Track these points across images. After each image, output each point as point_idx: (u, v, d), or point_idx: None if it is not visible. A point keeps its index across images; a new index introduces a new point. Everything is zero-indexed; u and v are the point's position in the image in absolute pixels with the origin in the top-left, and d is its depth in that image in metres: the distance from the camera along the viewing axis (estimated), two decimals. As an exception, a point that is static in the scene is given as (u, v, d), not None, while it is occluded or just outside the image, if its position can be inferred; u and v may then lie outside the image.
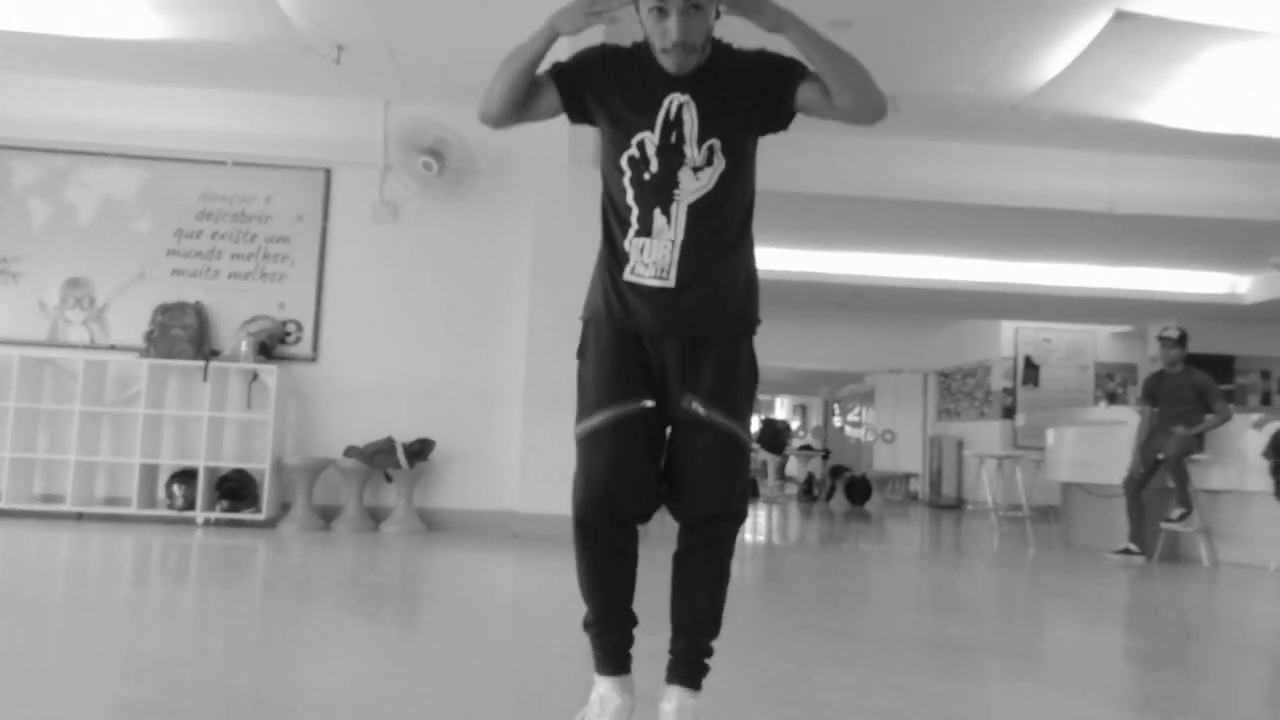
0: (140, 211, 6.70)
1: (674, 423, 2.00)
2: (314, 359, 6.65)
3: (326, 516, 6.38)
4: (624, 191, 2.00)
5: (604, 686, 2.05)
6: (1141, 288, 10.11)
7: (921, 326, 14.70)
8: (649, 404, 1.97)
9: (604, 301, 2.04)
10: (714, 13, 1.92)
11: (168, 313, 6.47)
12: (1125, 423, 7.12)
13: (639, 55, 2.03)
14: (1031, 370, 12.88)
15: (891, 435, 14.96)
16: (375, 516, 6.44)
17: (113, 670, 2.55)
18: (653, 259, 1.96)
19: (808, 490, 13.57)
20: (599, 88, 2.06)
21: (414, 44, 5.90)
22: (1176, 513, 6.39)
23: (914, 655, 3.12)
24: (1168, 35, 5.22)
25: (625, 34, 2.11)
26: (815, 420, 22.38)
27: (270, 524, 6.26)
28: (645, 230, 1.96)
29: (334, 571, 4.67)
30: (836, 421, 20.51)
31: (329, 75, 6.28)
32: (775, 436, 14.30)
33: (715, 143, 1.96)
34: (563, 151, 6.48)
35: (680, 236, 1.95)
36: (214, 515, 6.24)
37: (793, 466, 17.82)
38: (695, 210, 1.95)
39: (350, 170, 6.80)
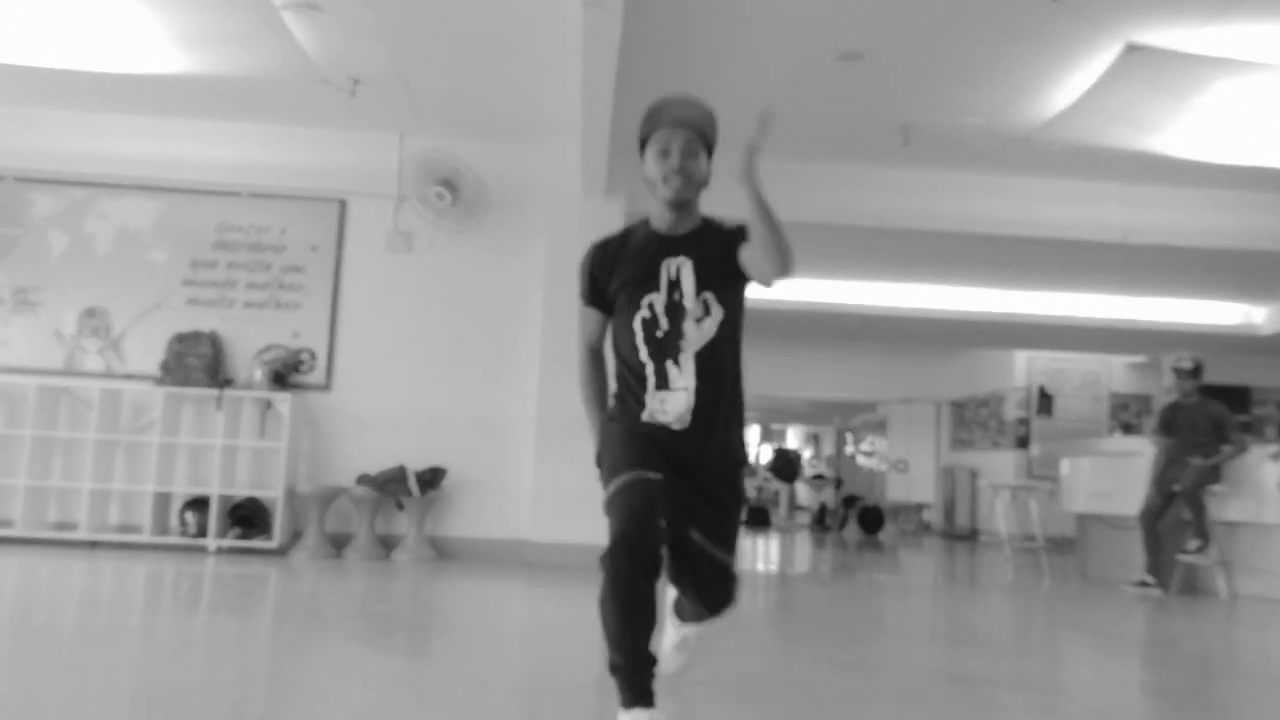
0: (157, 242, 6.77)
1: (680, 541, 2.30)
2: (327, 388, 6.68)
3: (338, 544, 6.38)
4: (637, 350, 2.30)
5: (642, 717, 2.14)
6: (1156, 318, 10.08)
7: (934, 356, 14.67)
8: (658, 476, 2.19)
9: (624, 423, 2.35)
10: (706, 164, 2.36)
11: (183, 342, 6.52)
12: (1141, 453, 7.06)
13: (636, 233, 2.38)
14: (1045, 400, 12.82)
15: (904, 465, 14.89)
16: (387, 544, 6.44)
17: (123, 700, 2.55)
18: (671, 408, 2.26)
19: (820, 520, 13.50)
20: (607, 280, 2.38)
21: (428, 77, 5.97)
22: (1194, 545, 6.33)
23: (930, 688, 3.09)
24: (1179, 67, 5.25)
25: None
26: (828, 449, 22.29)
27: (282, 552, 6.26)
28: (662, 383, 2.27)
29: (345, 600, 4.66)
30: (849, 451, 20.43)
31: (344, 108, 6.36)
32: (787, 465, 14.26)
33: (709, 295, 2.28)
34: (575, 182, 6.53)
35: (693, 384, 2.25)
36: (226, 543, 6.25)
37: (805, 496, 17.74)
38: (701, 357, 2.26)
39: (365, 201, 6.86)
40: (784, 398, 18.13)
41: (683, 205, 2.32)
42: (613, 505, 2.17)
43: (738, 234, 2.32)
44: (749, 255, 2.29)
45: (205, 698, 2.58)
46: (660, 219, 2.35)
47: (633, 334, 2.30)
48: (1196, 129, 6.04)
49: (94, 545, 6.23)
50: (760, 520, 13.68)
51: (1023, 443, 12.68)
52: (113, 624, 3.69)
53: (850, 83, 5.80)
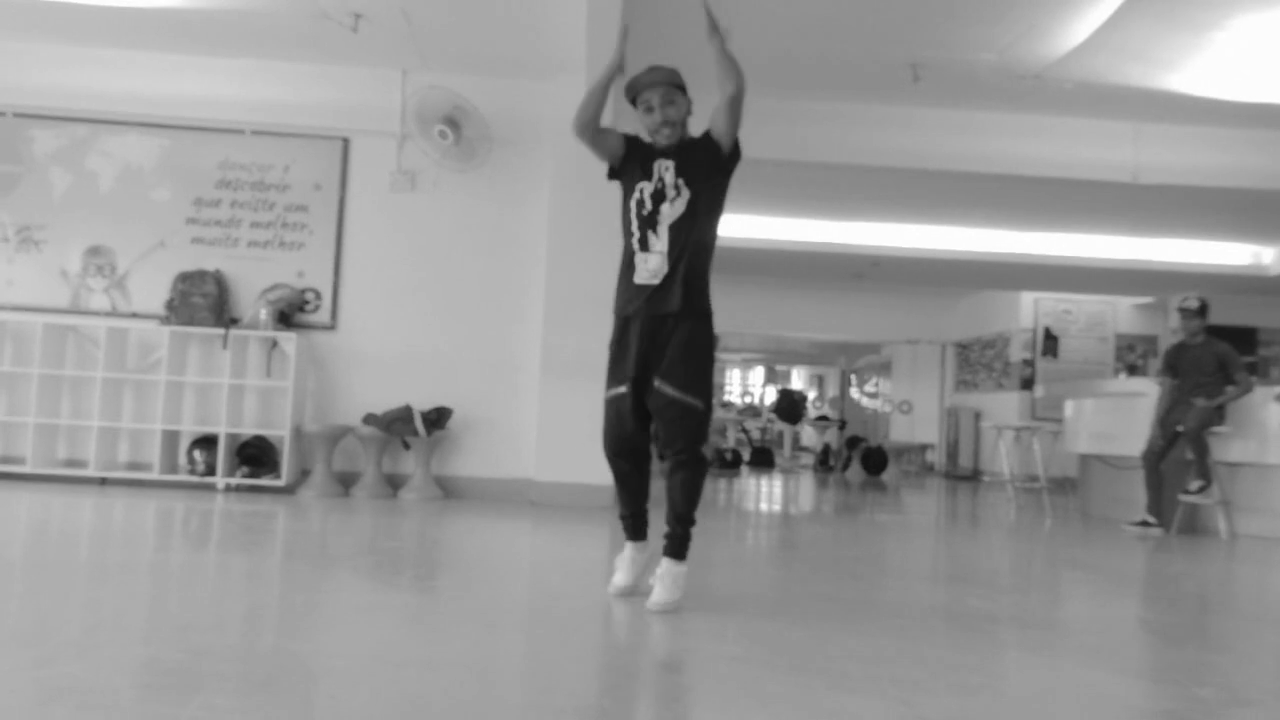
0: (160, 180, 6.73)
1: (650, 393, 3.11)
2: (333, 327, 6.69)
3: (345, 483, 6.44)
4: (630, 224, 3.19)
5: (627, 549, 3.35)
6: (1164, 258, 10.02)
7: (940, 297, 14.62)
8: (625, 389, 3.14)
9: (618, 298, 3.22)
10: (685, 102, 3.23)
11: (188, 281, 6.51)
12: (1145, 394, 7.07)
13: (645, 141, 3.28)
14: (1051, 341, 12.80)
15: (908, 406, 14.93)
16: (393, 483, 6.50)
17: (135, 633, 2.59)
18: (651, 267, 3.12)
19: (824, 461, 13.58)
20: (631, 159, 3.26)
21: (431, 12, 5.86)
22: (1195, 485, 6.36)
23: (931, 625, 3.13)
24: (1197, 2, 5.13)
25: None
26: (832, 391, 22.34)
27: (290, 490, 6.32)
28: (645, 246, 3.13)
29: (353, 537, 4.72)
30: (853, 392, 20.47)
31: (346, 44, 6.26)
32: (792, 407, 14.30)
33: (680, 182, 3.14)
34: (580, 120, 6.44)
35: (665, 248, 3.10)
36: (234, 481, 6.31)
37: (809, 437, 17.84)
38: (674, 228, 3.11)
39: (368, 139, 6.79)
40: (789, 339, 18.13)
41: (669, 138, 3.19)
42: (605, 414, 3.21)
43: (711, 145, 3.19)
44: (713, 115, 3.18)
45: (216, 632, 2.63)
46: (656, 141, 3.24)
47: (629, 210, 3.18)
48: (1214, 65, 5.94)
49: (103, 482, 6.30)
50: (764, 461, 13.77)
51: (1027, 384, 12.69)
52: (124, 559, 3.74)
53: (859, 19, 5.69)
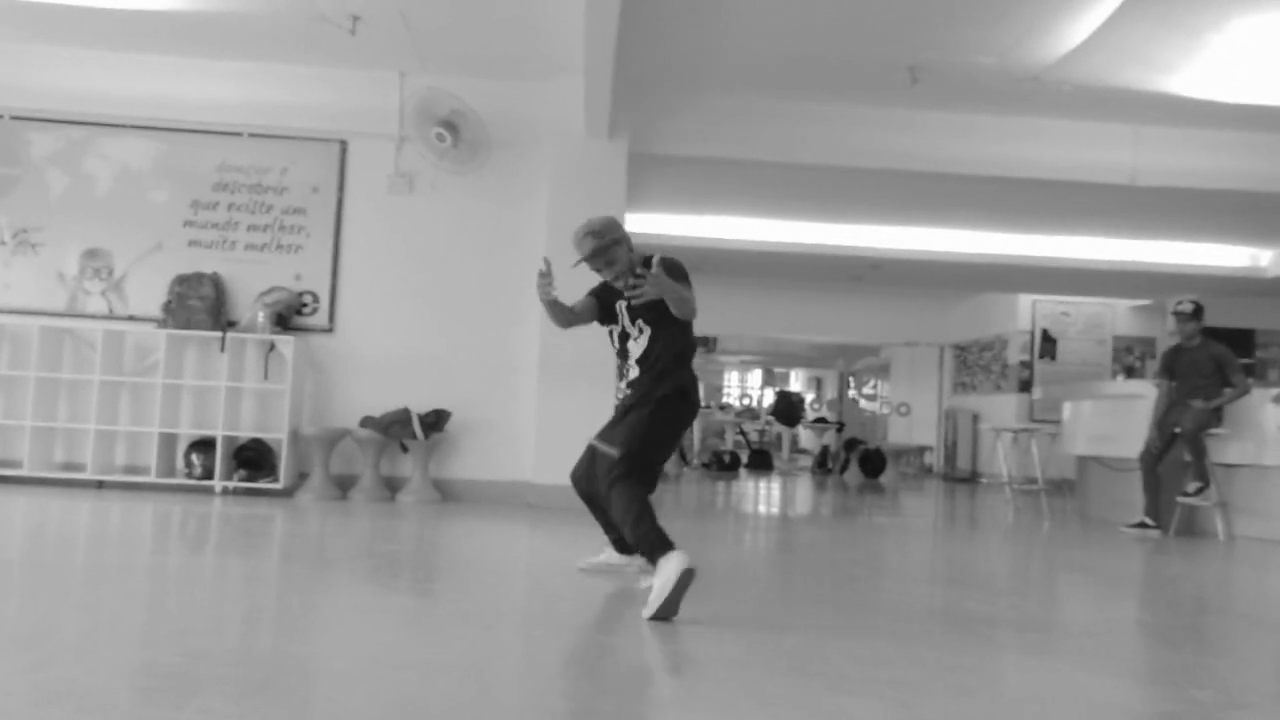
0: (157, 182, 6.72)
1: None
2: (330, 330, 6.68)
3: (343, 486, 6.44)
4: (616, 355, 3.73)
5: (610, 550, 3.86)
6: (1162, 260, 10.02)
7: (938, 300, 14.62)
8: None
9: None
10: (623, 254, 3.64)
11: (185, 283, 6.51)
12: (1143, 396, 7.08)
13: (612, 288, 3.67)
14: (1049, 344, 12.81)
15: (907, 408, 14.93)
16: (391, 486, 6.49)
17: (133, 636, 2.59)
18: (626, 389, 3.64)
19: (822, 463, 13.57)
20: (606, 307, 3.70)
21: (428, 14, 5.86)
22: (1193, 487, 6.36)
23: (929, 628, 3.13)
24: (1194, 4, 5.14)
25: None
26: (830, 393, 22.34)
27: (288, 493, 6.32)
28: (622, 376, 3.70)
29: (351, 540, 4.71)
30: (852, 394, 20.48)
31: (344, 46, 6.26)
32: (790, 409, 14.30)
33: (640, 322, 3.57)
34: (578, 123, 6.45)
35: (637, 374, 3.59)
36: (232, 484, 6.30)
37: (807, 439, 17.82)
38: (640, 361, 3.59)
39: (366, 142, 6.79)
40: (787, 341, 18.13)
41: (618, 278, 3.60)
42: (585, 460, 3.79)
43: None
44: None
45: (214, 635, 2.62)
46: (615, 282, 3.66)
47: (612, 347, 3.74)
48: (1212, 68, 5.94)
49: (101, 485, 6.29)
50: (762, 463, 13.77)
51: (1025, 386, 12.69)
52: (122, 562, 3.73)
53: (857, 21, 5.70)
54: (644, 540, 3.20)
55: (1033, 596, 4.12)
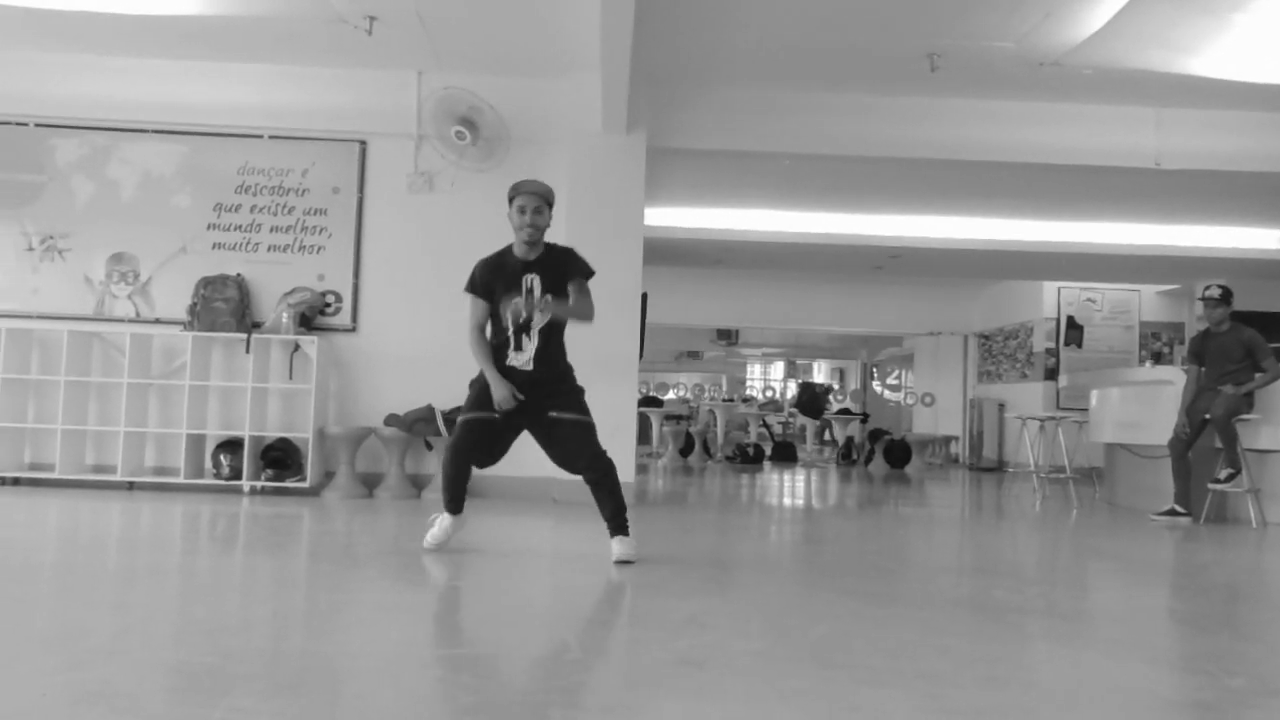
0: (180, 186, 6.79)
1: (546, 423, 3.99)
2: (353, 329, 6.73)
3: (369, 484, 6.48)
4: (506, 327, 3.91)
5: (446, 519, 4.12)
6: (1189, 244, 9.90)
7: (961, 288, 14.52)
8: (495, 415, 3.92)
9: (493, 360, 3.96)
10: (548, 215, 3.92)
11: (210, 286, 6.57)
12: (1171, 382, 7.00)
13: (505, 256, 3.97)
14: (1074, 331, 12.70)
15: (931, 398, 14.84)
16: (417, 484, 6.53)
17: (165, 635, 2.62)
18: (522, 359, 3.91)
19: (846, 454, 13.53)
20: (493, 283, 3.93)
21: (445, 13, 5.88)
22: (1224, 473, 6.29)
23: (956, 618, 3.11)
24: (1217, -17, 5.07)
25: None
26: (854, 384, 22.25)
27: (314, 492, 6.37)
28: (519, 347, 3.91)
29: (378, 538, 4.74)
30: (875, 385, 20.38)
31: (362, 47, 6.29)
32: (814, 400, 14.24)
33: (549, 296, 3.88)
34: (595, 118, 6.45)
35: (536, 347, 3.90)
36: (260, 484, 6.36)
37: (831, 430, 17.74)
38: (544, 331, 3.91)
39: (385, 141, 6.82)
40: (809, 332, 18.07)
41: (534, 243, 3.89)
42: (458, 428, 3.99)
43: (567, 269, 3.95)
44: (575, 285, 3.95)
45: (244, 634, 2.65)
46: (519, 249, 3.93)
47: (504, 319, 3.88)
48: (1236, 48, 5.85)
49: (131, 487, 6.37)
50: (786, 455, 13.73)
51: (1051, 374, 12.59)
52: (152, 563, 3.78)
53: (875, 9, 5.66)
54: (621, 508, 3.95)
55: (1061, 585, 4.09)
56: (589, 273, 3.99)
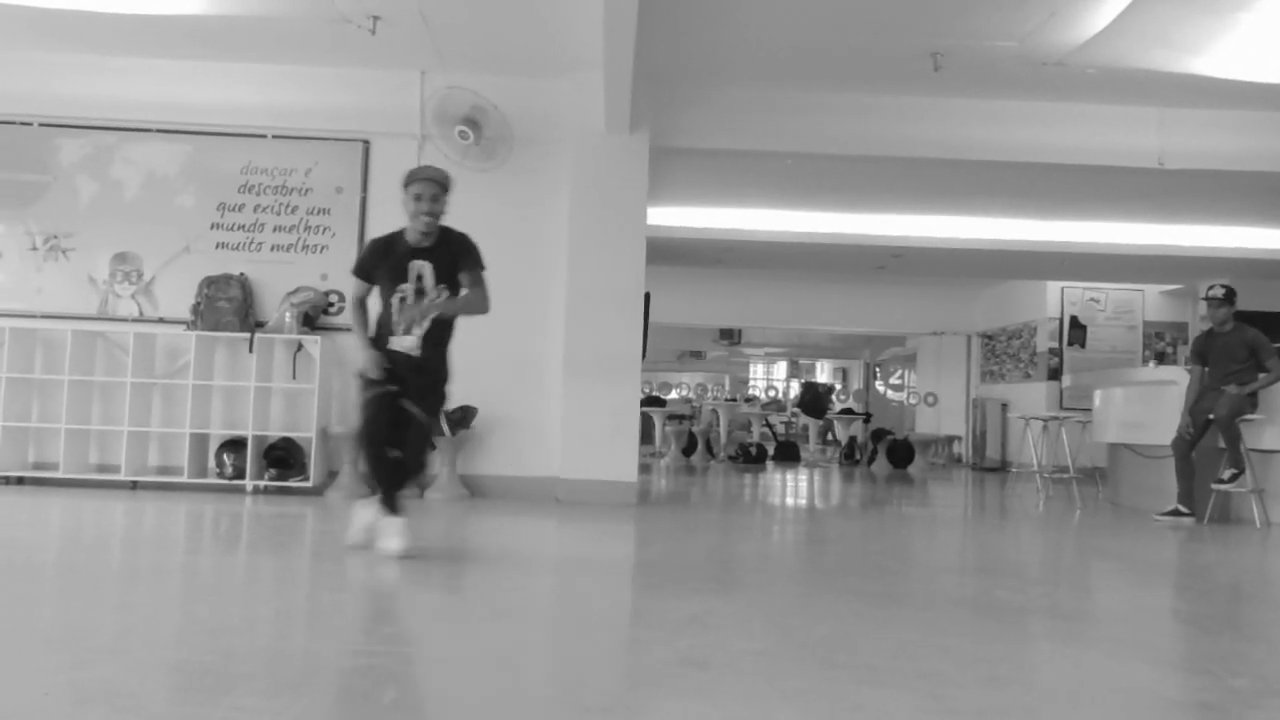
0: (184, 186, 6.80)
1: (402, 412, 3.88)
2: (356, 329, 6.72)
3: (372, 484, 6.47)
4: (392, 315, 3.89)
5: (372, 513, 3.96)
6: (1192, 244, 9.88)
7: (964, 288, 14.50)
8: (394, 388, 3.85)
9: (379, 341, 3.93)
10: (444, 202, 3.89)
11: (213, 285, 6.57)
12: (1175, 382, 6.99)
13: (396, 240, 3.95)
14: (1078, 330, 12.68)
15: (934, 398, 14.83)
16: (419, 483, 6.52)
17: (167, 635, 2.62)
18: (407, 345, 3.89)
19: (849, 454, 13.52)
20: (376, 267, 3.95)
21: (448, 13, 5.88)
22: (1228, 473, 6.28)
23: (958, 618, 3.11)
24: (1221, -18, 5.06)
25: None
26: (856, 383, 22.24)
27: (318, 491, 6.37)
28: (406, 331, 3.88)
29: (380, 538, 4.74)
30: (878, 385, 20.37)
31: (365, 46, 6.29)
32: (816, 400, 14.24)
33: (443, 286, 3.89)
34: (598, 117, 6.45)
35: (423, 334, 3.89)
36: (263, 483, 6.36)
37: (834, 430, 17.74)
38: (434, 322, 3.89)
39: (388, 141, 6.82)
40: (812, 332, 18.06)
41: (429, 231, 3.87)
42: (364, 407, 3.87)
43: (461, 259, 3.96)
44: (471, 277, 4.00)
45: (246, 633, 2.65)
46: (412, 235, 3.89)
47: (391, 304, 3.87)
48: (1240, 48, 5.85)
49: (135, 486, 6.38)
50: (789, 455, 13.73)
51: (1054, 374, 12.58)
52: (155, 562, 3.78)
53: (878, 8, 5.65)
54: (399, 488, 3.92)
55: (1064, 585, 4.09)
56: (482, 265, 3.99)
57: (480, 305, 3.99)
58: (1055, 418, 8.65)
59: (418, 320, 3.86)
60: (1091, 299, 12.71)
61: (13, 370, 6.37)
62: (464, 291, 3.97)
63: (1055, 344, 12.67)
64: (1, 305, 6.66)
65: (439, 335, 3.94)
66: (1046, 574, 4.44)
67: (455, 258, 3.93)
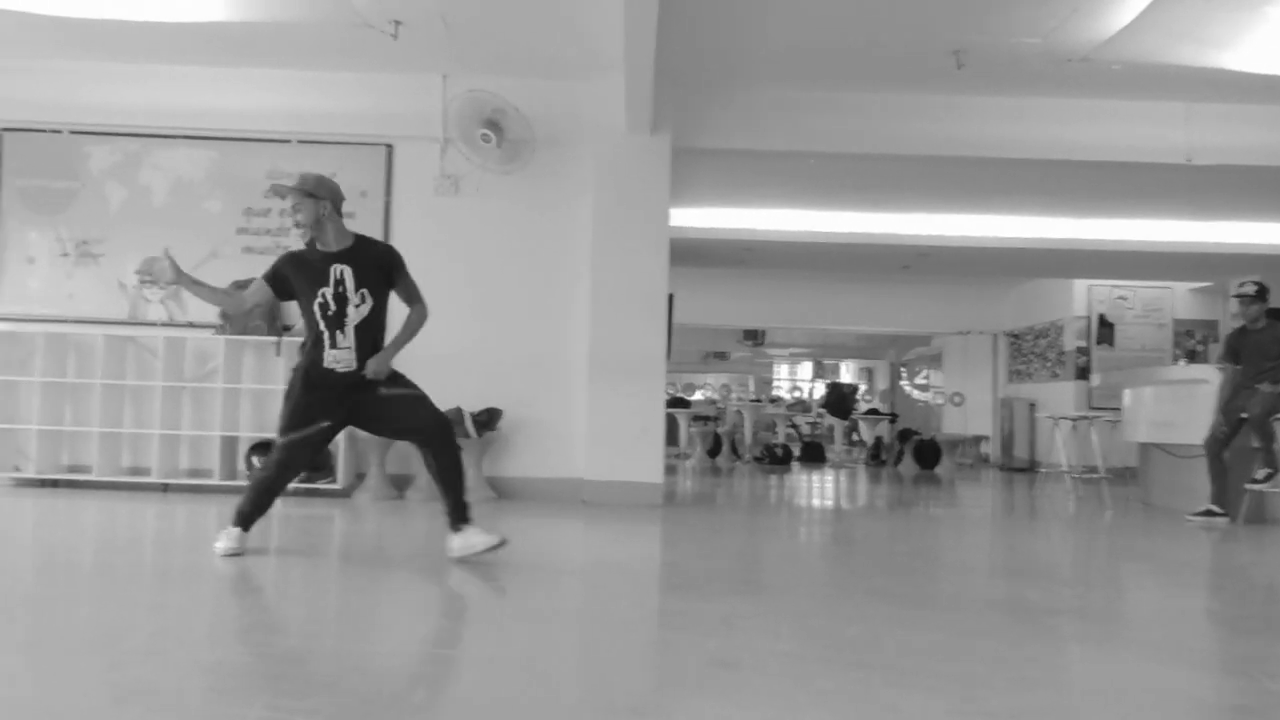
0: (210, 191, 6.87)
1: (375, 403, 3.85)
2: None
3: (399, 485, 6.52)
4: (317, 324, 3.79)
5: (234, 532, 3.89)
6: (1222, 241, 9.75)
7: (990, 287, 14.40)
8: (326, 424, 3.84)
9: (310, 368, 3.83)
10: (310, 208, 3.80)
11: (240, 289, 6.62)
12: (1206, 381, 6.90)
13: (307, 251, 3.89)
14: (1106, 329, 12.55)
15: (960, 398, 14.73)
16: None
17: (201, 636, 2.65)
18: (341, 360, 3.80)
19: (875, 455, 13.45)
20: (292, 276, 3.86)
21: (468, 16, 5.91)
22: (1262, 473, 6.20)
23: (989, 619, 3.09)
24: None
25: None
26: (882, 384, 22.13)
27: (346, 493, 6.42)
28: (334, 344, 3.78)
29: (408, 539, 4.78)
30: (904, 385, 20.26)
31: (387, 51, 6.33)
32: (841, 400, 14.18)
33: (365, 290, 3.83)
34: (620, 119, 6.46)
35: (353, 344, 3.80)
36: (292, 485, 6.39)
37: (859, 431, 17.68)
38: (359, 328, 3.81)
39: (411, 145, 6.86)
40: (836, 332, 17.98)
41: (315, 237, 3.84)
42: (285, 449, 3.83)
43: (388, 263, 3.94)
44: (404, 290, 4.01)
45: (278, 634, 2.67)
46: (322, 243, 3.86)
47: (313, 313, 3.77)
48: (1269, 42, 5.77)
49: (166, 488, 6.45)
50: (814, 456, 13.67)
51: (1083, 373, 12.46)
52: (188, 564, 3.82)
53: (899, 7, 5.63)
54: (463, 490, 3.87)
55: (1096, 586, 4.05)
56: (409, 276, 3.99)
57: (421, 323, 3.99)
58: (1084, 417, 8.57)
59: (349, 350, 3.80)
60: (1120, 297, 12.58)
61: (47, 375, 6.45)
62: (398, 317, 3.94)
63: (1083, 343, 12.55)
64: (35, 310, 6.76)
65: (371, 342, 3.88)
66: (1078, 575, 4.40)
67: (380, 268, 3.88)
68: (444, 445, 3.82)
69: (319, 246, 3.85)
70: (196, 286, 3.97)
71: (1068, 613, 3.28)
